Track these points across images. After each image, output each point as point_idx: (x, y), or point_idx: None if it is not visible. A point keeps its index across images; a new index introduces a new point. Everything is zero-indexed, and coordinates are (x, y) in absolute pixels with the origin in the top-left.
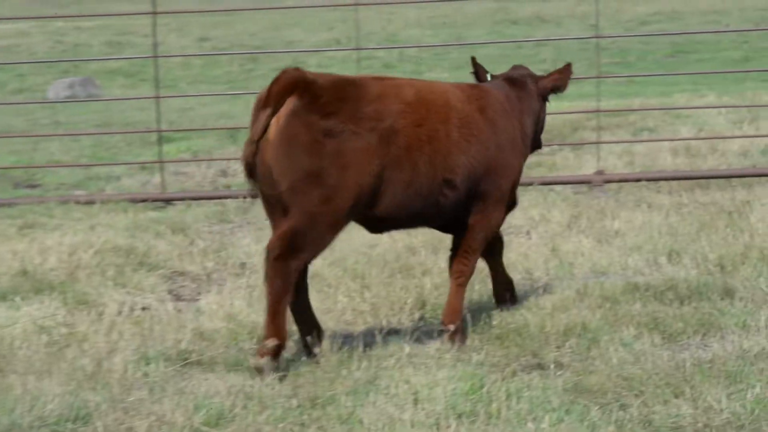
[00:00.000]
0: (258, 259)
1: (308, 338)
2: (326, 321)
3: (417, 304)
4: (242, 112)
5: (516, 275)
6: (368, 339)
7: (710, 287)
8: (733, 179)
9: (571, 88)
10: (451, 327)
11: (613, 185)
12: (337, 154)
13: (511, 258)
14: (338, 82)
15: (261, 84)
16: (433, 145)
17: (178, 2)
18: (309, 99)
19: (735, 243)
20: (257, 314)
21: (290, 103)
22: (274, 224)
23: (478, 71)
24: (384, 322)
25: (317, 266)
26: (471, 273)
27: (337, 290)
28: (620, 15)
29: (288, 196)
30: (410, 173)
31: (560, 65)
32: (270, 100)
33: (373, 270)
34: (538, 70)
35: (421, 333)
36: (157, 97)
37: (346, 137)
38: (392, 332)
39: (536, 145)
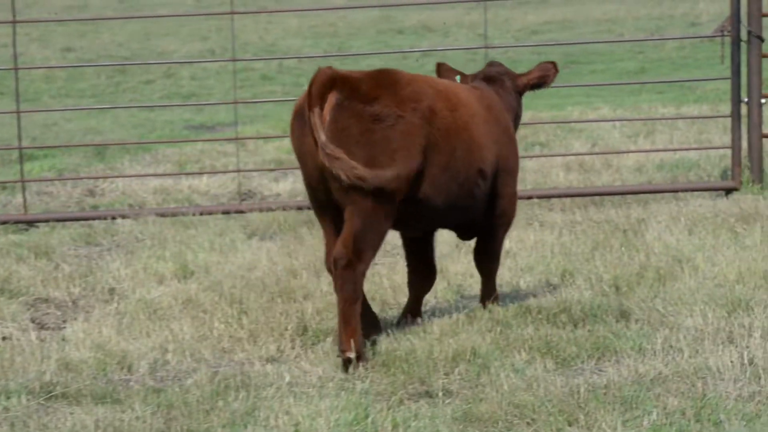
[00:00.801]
0: (128, 284)
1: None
2: (201, 349)
3: (298, 330)
4: (110, 128)
5: (402, 298)
6: (246, 368)
7: (605, 309)
8: (628, 196)
9: None
10: (491, 300)
11: None
12: (385, 140)
13: (397, 281)
14: (371, 72)
15: (131, 97)
16: (469, 132)
17: (39, 10)
18: (350, 90)
19: (630, 263)
20: (127, 342)
21: (333, 98)
22: (327, 231)
23: (443, 74)
24: (263, 350)
25: (192, 291)
26: (498, 267)
27: (213, 316)
28: (510, 24)
29: (344, 194)
30: (448, 157)
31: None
32: (314, 100)
33: (252, 294)
34: None
35: (303, 360)
36: (18, 112)
37: (393, 121)
38: (272, 360)
39: None
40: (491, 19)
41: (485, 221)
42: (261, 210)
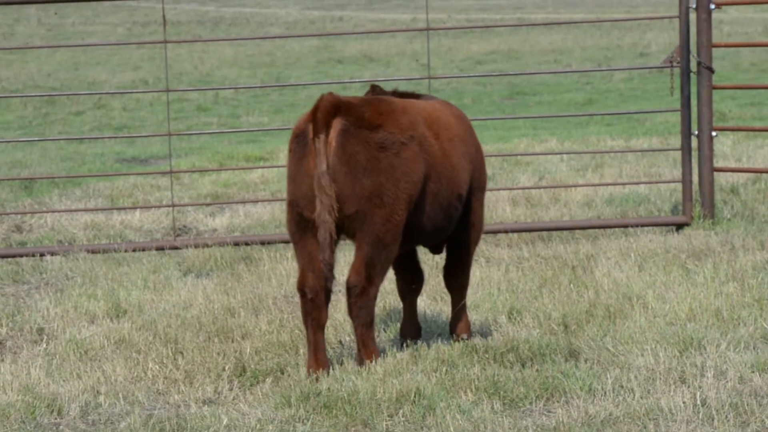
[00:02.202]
0: (57, 324)
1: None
2: (135, 391)
3: (236, 371)
4: (38, 161)
5: (345, 337)
6: (182, 410)
7: (553, 348)
8: (577, 231)
9: None
10: (465, 336)
11: None
12: (390, 168)
13: (338, 319)
14: (370, 99)
15: (59, 129)
16: (449, 158)
17: None
18: (355, 117)
19: (579, 300)
20: (57, 384)
21: (338, 124)
22: (303, 253)
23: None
24: (200, 391)
25: (125, 331)
26: (468, 283)
27: (147, 357)
28: (454, 54)
29: (353, 220)
30: (437, 184)
31: None
32: (320, 127)
33: (188, 334)
34: None
35: (241, 402)
36: None
37: (397, 149)
38: (209, 402)
39: None
40: (434, 49)
41: (457, 236)
42: (197, 246)
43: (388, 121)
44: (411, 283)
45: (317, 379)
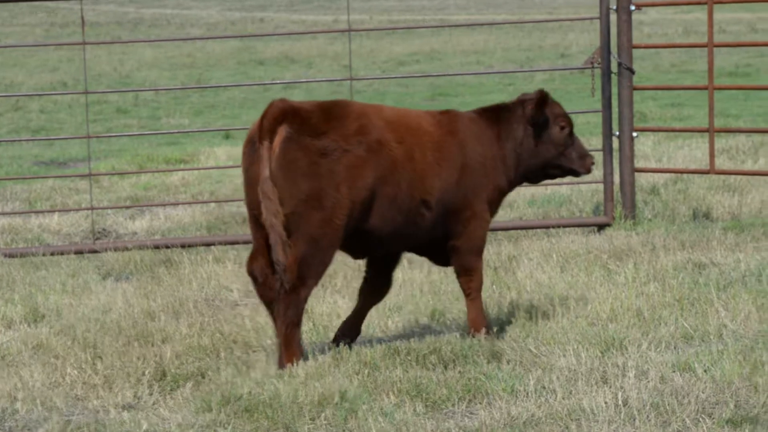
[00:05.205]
0: None
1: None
2: (53, 397)
3: (156, 375)
4: None
5: (266, 340)
6: (101, 416)
7: (476, 350)
8: (499, 232)
9: None
10: (482, 333)
11: None
12: (331, 173)
13: (260, 322)
14: (324, 104)
15: None
16: (412, 164)
17: None
18: (299, 124)
19: (502, 301)
20: None
21: (283, 131)
22: (257, 242)
23: None
24: (119, 397)
25: (43, 335)
26: (480, 285)
27: (65, 362)
28: (376, 55)
29: (290, 221)
30: (394, 189)
31: None
32: (264, 134)
33: (107, 338)
34: None
35: (162, 407)
36: None
37: (338, 155)
38: (128, 407)
39: (530, 175)
40: (356, 50)
41: (453, 244)
42: (116, 249)
43: (334, 128)
44: (375, 288)
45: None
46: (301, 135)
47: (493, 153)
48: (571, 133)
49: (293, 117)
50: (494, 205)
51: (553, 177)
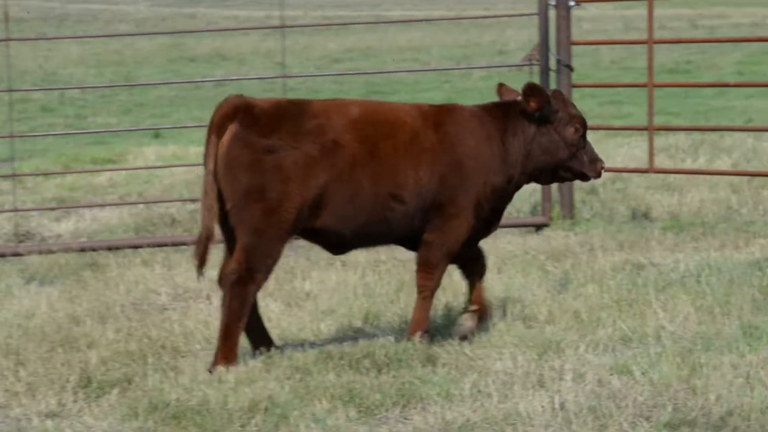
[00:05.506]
0: None
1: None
2: None
3: (81, 382)
4: None
5: (195, 345)
6: (23, 424)
7: (410, 353)
8: None
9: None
10: (417, 336)
11: (303, 242)
12: (277, 168)
13: (189, 326)
14: (280, 103)
15: None
16: (378, 159)
17: None
18: (249, 122)
19: (437, 303)
20: None
21: (232, 129)
22: (227, 246)
23: (503, 95)
24: (42, 404)
25: None
26: (435, 287)
27: None
28: (310, 52)
29: (233, 215)
30: (353, 187)
31: None
32: (213, 128)
33: (30, 344)
34: None
35: (86, 415)
36: None
37: (286, 152)
38: (52, 415)
39: (539, 175)
40: (290, 47)
41: (426, 238)
42: (40, 252)
43: (286, 127)
44: (473, 266)
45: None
46: (249, 133)
47: (490, 150)
48: (584, 136)
49: (244, 114)
50: (487, 203)
51: (562, 180)
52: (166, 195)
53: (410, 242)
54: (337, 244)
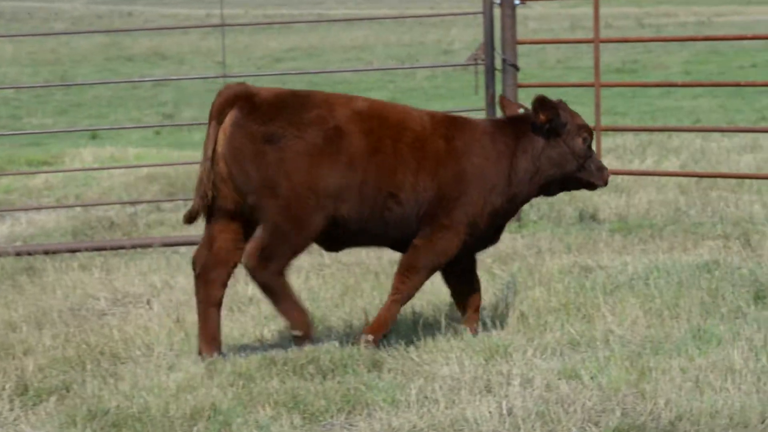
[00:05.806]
0: None
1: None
2: None
3: (17, 389)
4: None
5: (135, 351)
6: None
7: (356, 359)
8: None
9: (185, 136)
10: (370, 338)
11: None
12: (280, 161)
13: (129, 332)
14: (281, 92)
15: None
16: (380, 155)
17: None
18: (249, 109)
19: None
20: None
21: (232, 116)
22: (212, 235)
23: (507, 109)
24: None
25: None
26: (409, 293)
27: None
28: (251, 51)
29: (254, 210)
30: (359, 178)
31: (184, 108)
32: (213, 115)
33: None
34: (158, 113)
35: (23, 423)
36: None
37: (288, 141)
38: None
39: (549, 187)
40: (230, 46)
41: (414, 242)
42: None
43: (285, 115)
44: (467, 293)
45: (211, 363)
46: (249, 121)
47: (496, 170)
48: (590, 145)
49: (244, 102)
50: (483, 223)
51: (569, 190)
52: (104, 198)
53: (404, 247)
54: (334, 238)
